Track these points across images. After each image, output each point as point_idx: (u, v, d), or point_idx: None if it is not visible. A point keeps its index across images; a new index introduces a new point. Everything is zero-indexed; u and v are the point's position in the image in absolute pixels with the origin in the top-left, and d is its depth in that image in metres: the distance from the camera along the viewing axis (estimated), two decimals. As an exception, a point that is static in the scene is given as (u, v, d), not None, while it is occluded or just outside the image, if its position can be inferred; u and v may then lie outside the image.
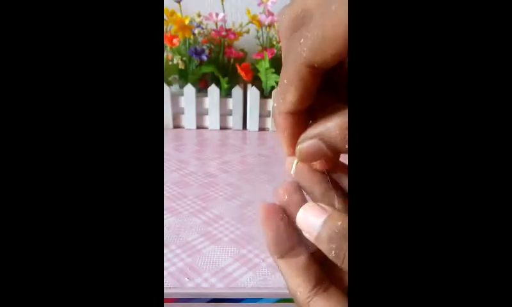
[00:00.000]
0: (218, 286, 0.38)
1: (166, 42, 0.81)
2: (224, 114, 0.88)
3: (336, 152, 0.15)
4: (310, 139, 0.15)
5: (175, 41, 0.81)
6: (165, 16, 0.82)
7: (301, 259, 0.16)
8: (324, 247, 0.14)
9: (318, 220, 0.15)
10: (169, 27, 0.84)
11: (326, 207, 0.15)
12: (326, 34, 0.12)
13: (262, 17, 0.85)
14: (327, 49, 0.12)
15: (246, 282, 0.39)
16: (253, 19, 0.86)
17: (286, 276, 0.16)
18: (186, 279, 0.39)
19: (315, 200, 0.17)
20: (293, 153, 0.16)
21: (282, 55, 0.15)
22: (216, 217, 0.50)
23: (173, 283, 0.38)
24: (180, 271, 0.40)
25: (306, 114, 0.16)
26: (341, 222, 0.14)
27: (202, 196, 0.56)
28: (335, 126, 0.14)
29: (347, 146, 0.14)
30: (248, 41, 0.91)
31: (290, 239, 0.16)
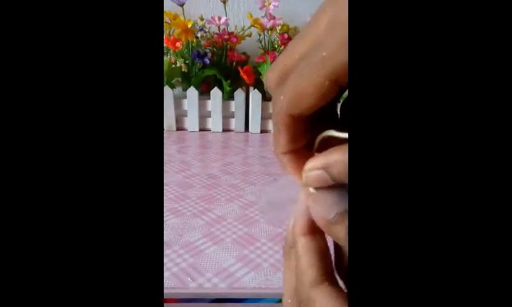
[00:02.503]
0: (221, 287, 0.38)
1: (169, 45, 0.82)
2: (227, 116, 0.89)
3: (342, 182, 0.15)
4: (316, 170, 0.16)
5: (178, 44, 0.82)
6: (168, 20, 0.83)
7: (323, 242, 0.17)
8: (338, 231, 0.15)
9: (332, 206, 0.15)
10: (172, 31, 0.84)
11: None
12: (299, 92, 0.15)
13: (264, 21, 0.86)
14: (301, 104, 0.15)
15: (248, 282, 0.39)
16: (255, 23, 0.86)
17: (302, 254, 0.17)
18: (189, 279, 0.39)
19: None
20: (301, 180, 0.17)
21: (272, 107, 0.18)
22: (218, 217, 0.51)
23: (176, 283, 0.38)
24: (183, 271, 0.40)
25: (305, 149, 0.17)
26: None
27: (205, 197, 0.56)
28: (340, 161, 0.15)
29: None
30: (250, 45, 0.92)
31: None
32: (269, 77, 0.16)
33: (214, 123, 0.88)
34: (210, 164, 0.70)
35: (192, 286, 0.38)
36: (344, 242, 0.15)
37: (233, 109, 0.88)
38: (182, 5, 0.86)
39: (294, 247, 0.17)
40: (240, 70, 0.84)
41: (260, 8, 0.87)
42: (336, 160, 0.15)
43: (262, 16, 0.87)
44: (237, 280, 0.39)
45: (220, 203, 0.55)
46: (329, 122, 0.17)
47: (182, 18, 0.84)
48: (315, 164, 0.16)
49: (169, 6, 0.85)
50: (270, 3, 0.86)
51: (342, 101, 0.18)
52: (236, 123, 0.89)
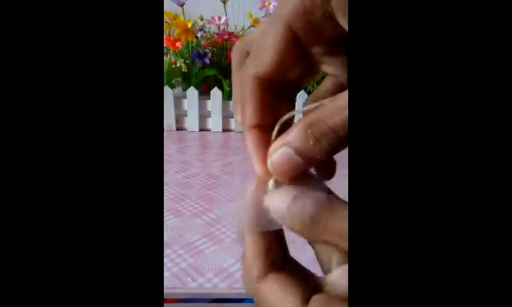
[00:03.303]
0: (221, 287, 0.38)
1: (169, 45, 0.82)
2: (227, 116, 0.89)
3: (307, 158, 0.14)
4: (278, 149, 0.15)
5: (178, 44, 0.82)
6: (168, 20, 0.83)
7: (268, 235, 0.16)
8: (295, 223, 0.14)
9: (287, 198, 0.15)
10: (172, 31, 0.84)
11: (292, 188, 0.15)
12: (260, 49, 0.16)
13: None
14: (263, 60, 0.16)
15: (248, 282, 0.39)
16: (255, 23, 0.87)
17: (248, 247, 0.16)
18: (189, 279, 0.39)
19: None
20: (265, 170, 0.16)
21: (232, 85, 0.18)
22: (218, 218, 0.51)
23: (176, 283, 0.38)
24: (183, 271, 0.40)
25: (269, 134, 0.16)
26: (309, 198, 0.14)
27: (205, 197, 0.56)
28: (297, 129, 0.14)
29: (315, 150, 0.14)
30: (250, 44, 0.92)
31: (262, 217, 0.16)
32: (236, 51, 0.16)
33: (214, 123, 0.88)
34: (210, 164, 0.70)
35: (192, 286, 0.38)
36: (300, 234, 0.14)
37: (233, 108, 0.88)
38: (182, 5, 0.86)
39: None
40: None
41: (260, 8, 0.87)
42: (294, 130, 0.14)
43: (262, 16, 0.87)
44: (237, 280, 0.39)
45: (220, 203, 0.55)
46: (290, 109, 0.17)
47: (182, 18, 0.84)
48: (276, 144, 0.15)
49: (169, 6, 0.85)
50: (270, 3, 0.86)
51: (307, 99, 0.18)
52: (236, 123, 0.89)
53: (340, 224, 0.13)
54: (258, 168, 0.17)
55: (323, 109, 0.14)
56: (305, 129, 0.14)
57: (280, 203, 0.15)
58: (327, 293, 0.15)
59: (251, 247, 0.16)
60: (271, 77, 0.16)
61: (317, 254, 0.16)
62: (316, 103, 0.14)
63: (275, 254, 0.16)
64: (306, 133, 0.14)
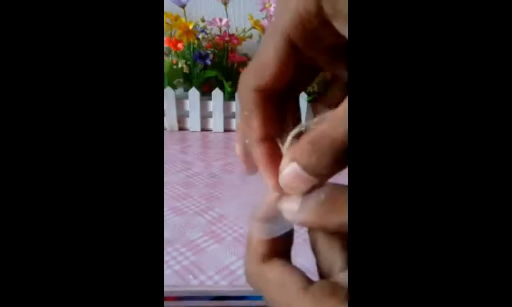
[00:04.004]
0: (222, 284, 0.39)
1: (170, 46, 0.83)
2: (228, 116, 0.89)
3: (314, 174, 0.14)
4: (287, 166, 0.15)
5: (179, 45, 0.82)
6: (169, 21, 0.83)
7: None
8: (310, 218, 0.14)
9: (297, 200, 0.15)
10: (173, 32, 0.85)
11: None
12: (261, 62, 0.16)
13: (265, 22, 0.87)
14: (264, 73, 0.15)
15: (249, 279, 0.39)
16: (256, 24, 0.87)
17: (255, 232, 0.16)
18: (191, 277, 0.39)
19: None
20: (277, 184, 0.16)
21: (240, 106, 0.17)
22: (220, 216, 0.51)
23: (177, 280, 0.39)
24: (184, 269, 0.40)
25: (278, 147, 0.16)
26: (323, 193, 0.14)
27: (206, 196, 0.57)
28: (301, 145, 0.14)
29: (320, 166, 0.14)
30: (250, 46, 0.93)
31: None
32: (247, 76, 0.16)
33: (216, 123, 0.89)
34: (211, 164, 0.70)
35: (193, 284, 0.38)
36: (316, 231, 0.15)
37: (234, 109, 0.88)
38: (183, 6, 0.86)
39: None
40: (242, 71, 0.84)
41: (261, 10, 0.87)
42: (302, 146, 0.14)
43: (263, 18, 0.88)
44: (238, 278, 0.39)
45: (221, 202, 0.55)
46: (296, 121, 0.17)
47: (183, 19, 0.85)
48: (285, 161, 0.15)
49: (170, 7, 0.85)
50: (271, 5, 0.86)
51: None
52: (237, 124, 0.89)
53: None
54: (270, 182, 0.16)
55: (324, 122, 0.13)
56: (308, 146, 0.14)
57: (293, 201, 0.15)
58: None
59: (260, 232, 0.16)
60: (272, 88, 0.16)
61: (318, 263, 0.16)
62: (321, 116, 0.14)
63: (281, 245, 0.16)
64: (309, 150, 0.13)
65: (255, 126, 0.16)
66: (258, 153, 0.17)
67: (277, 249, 0.16)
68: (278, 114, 0.17)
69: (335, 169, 0.14)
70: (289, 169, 0.14)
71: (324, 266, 0.16)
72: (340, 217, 0.14)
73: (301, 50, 0.15)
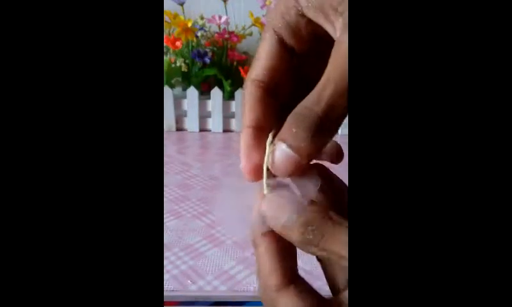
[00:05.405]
0: (221, 289, 0.38)
1: (168, 44, 0.82)
2: (227, 116, 0.88)
3: (301, 153, 0.14)
4: (277, 150, 0.15)
5: (178, 43, 0.82)
6: (168, 19, 0.83)
7: (285, 241, 0.16)
8: (295, 234, 0.14)
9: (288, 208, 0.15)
10: (172, 30, 0.84)
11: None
12: (257, 57, 0.17)
13: (265, 20, 0.86)
14: (258, 66, 0.17)
15: (248, 285, 0.39)
16: (256, 22, 0.86)
17: (264, 258, 0.16)
18: (189, 282, 0.39)
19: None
20: (248, 169, 0.17)
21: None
22: (218, 220, 0.50)
23: (176, 285, 0.38)
24: (183, 274, 0.40)
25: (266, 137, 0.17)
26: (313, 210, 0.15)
27: (205, 198, 0.56)
28: (286, 123, 0.15)
29: (305, 141, 0.14)
30: (250, 44, 0.92)
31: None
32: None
33: (215, 123, 0.88)
34: (210, 165, 0.69)
35: (192, 289, 0.38)
36: (298, 245, 0.15)
37: (233, 109, 0.87)
38: (182, 4, 0.85)
39: (255, 249, 0.17)
40: (241, 70, 0.84)
41: (261, 7, 0.86)
42: (285, 123, 0.15)
43: (263, 15, 0.87)
44: (237, 283, 0.39)
45: (220, 205, 0.54)
46: None
47: (182, 17, 0.84)
48: (275, 139, 0.15)
49: (169, 5, 0.84)
50: (271, 2, 0.86)
51: None
52: (237, 124, 0.88)
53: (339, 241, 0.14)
54: (242, 166, 0.17)
55: (306, 97, 0.14)
56: (289, 120, 0.14)
57: (275, 217, 0.15)
58: None
59: (267, 259, 0.16)
60: (264, 80, 0.17)
61: (326, 279, 0.17)
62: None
63: (290, 263, 0.16)
64: (290, 123, 0.14)
65: (245, 111, 0.17)
66: (242, 137, 0.17)
67: (287, 274, 0.16)
68: (271, 108, 0.17)
69: (316, 144, 0.14)
70: (278, 151, 0.15)
71: (330, 283, 0.17)
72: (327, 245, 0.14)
73: (287, 43, 0.17)
